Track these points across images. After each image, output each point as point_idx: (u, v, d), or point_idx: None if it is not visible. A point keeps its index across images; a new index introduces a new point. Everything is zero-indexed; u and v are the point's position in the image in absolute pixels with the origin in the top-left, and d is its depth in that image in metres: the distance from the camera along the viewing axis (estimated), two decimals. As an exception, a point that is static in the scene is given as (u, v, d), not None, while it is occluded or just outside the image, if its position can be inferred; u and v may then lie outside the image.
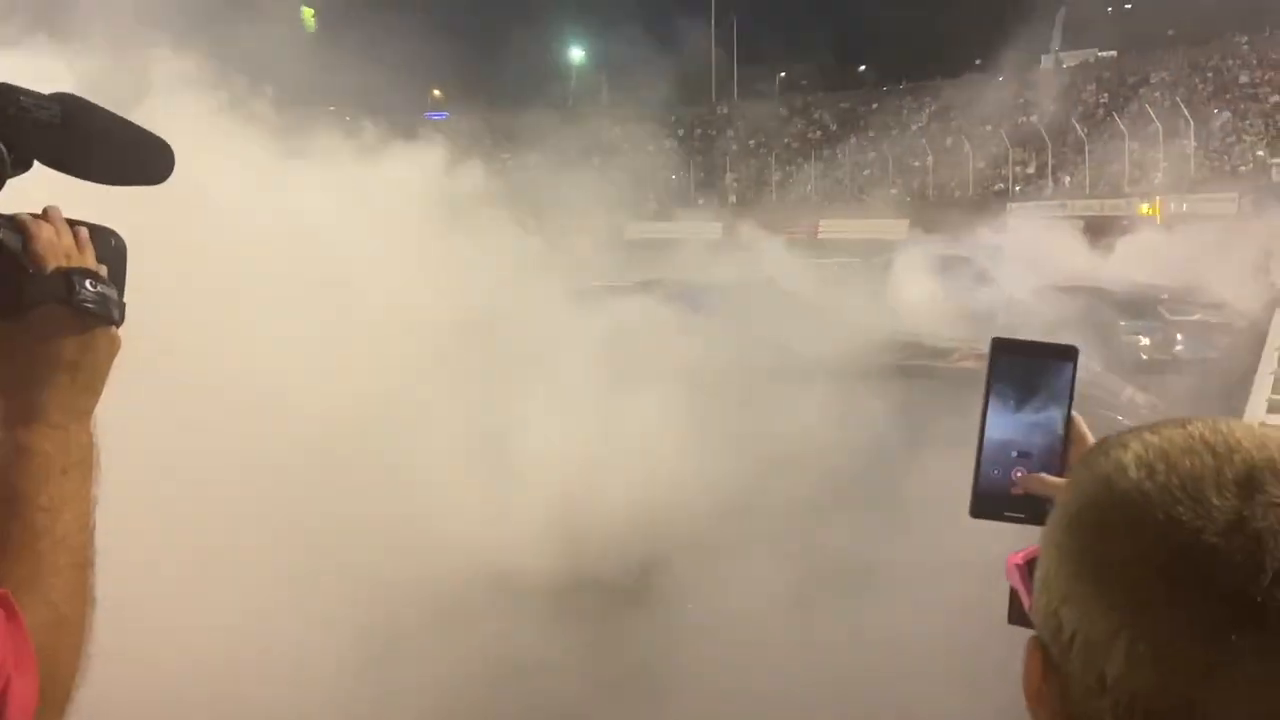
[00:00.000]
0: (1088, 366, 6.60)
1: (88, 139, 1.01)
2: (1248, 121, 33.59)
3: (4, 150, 0.94)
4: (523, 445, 5.66)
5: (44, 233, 0.98)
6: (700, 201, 38.69)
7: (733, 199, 38.65)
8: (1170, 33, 36.98)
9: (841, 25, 53.44)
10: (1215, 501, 0.58)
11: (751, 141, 46.38)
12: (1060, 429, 0.99)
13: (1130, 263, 12.44)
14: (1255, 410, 5.75)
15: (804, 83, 53.70)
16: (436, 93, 59.99)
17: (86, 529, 0.99)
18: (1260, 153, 31.99)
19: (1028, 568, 0.72)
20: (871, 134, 43.95)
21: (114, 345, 1.02)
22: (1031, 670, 0.66)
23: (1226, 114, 34.24)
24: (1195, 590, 0.58)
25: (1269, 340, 7.76)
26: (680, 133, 52.52)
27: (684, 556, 5.22)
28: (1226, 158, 32.34)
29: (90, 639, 0.97)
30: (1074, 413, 0.98)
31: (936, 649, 4.08)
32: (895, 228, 19.02)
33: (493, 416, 5.75)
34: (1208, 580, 0.57)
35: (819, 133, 45.66)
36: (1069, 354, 1.01)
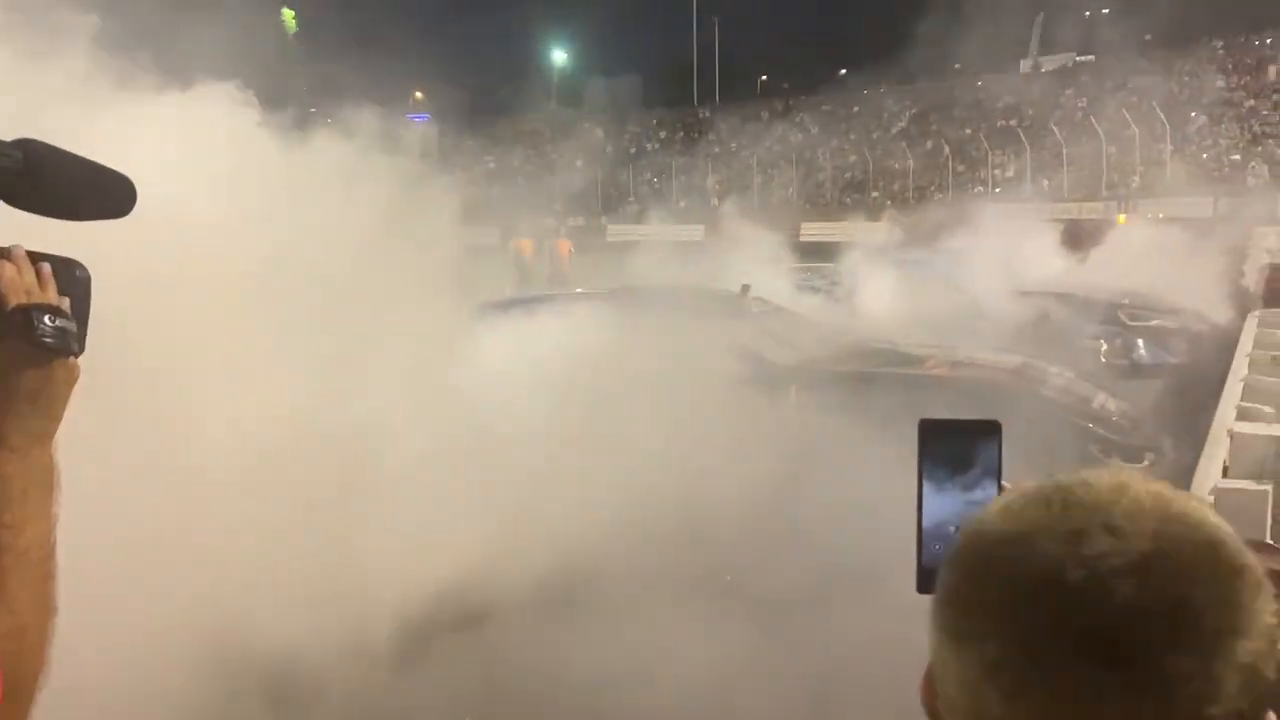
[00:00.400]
0: (1060, 373, 6.68)
1: (49, 182, 1.07)
2: (1223, 126, 33.91)
3: None
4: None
5: (5, 271, 1.05)
6: (682, 204, 38.73)
7: (715, 201, 38.71)
8: (1147, 38, 37.28)
9: (822, 28, 53.59)
10: (1041, 547, 0.64)
11: (733, 144, 46.46)
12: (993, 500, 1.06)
13: (1102, 266, 12.50)
14: (1225, 416, 5.81)
15: (785, 85, 53.92)
16: (418, 94, 59.85)
17: (47, 544, 1.06)
18: (1235, 156, 32.31)
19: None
20: (853, 137, 44.12)
21: (72, 374, 1.09)
22: (924, 687, 0.72)
23: (1203, 118, 34.56)
24: (1038, 628, 0.62)
25: (1240, 346, 7.83)
26: (663, 135, 52.58)
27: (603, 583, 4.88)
28: (1203, 161, 32.62)
29: (51, 645, 1.05)
30: (1004, 482, 1.03)
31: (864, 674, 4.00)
32: (875, 230, 19.06)
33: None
34: (1056, 618, 0.62)
35: (800, 135, 45.76)
36: (993, 429, 1.06)
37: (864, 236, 16.78)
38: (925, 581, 0.97)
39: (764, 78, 59.01)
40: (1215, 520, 0.66)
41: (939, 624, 0.69)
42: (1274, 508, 4.44)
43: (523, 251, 19.30)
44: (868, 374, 6.45)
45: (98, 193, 1.13)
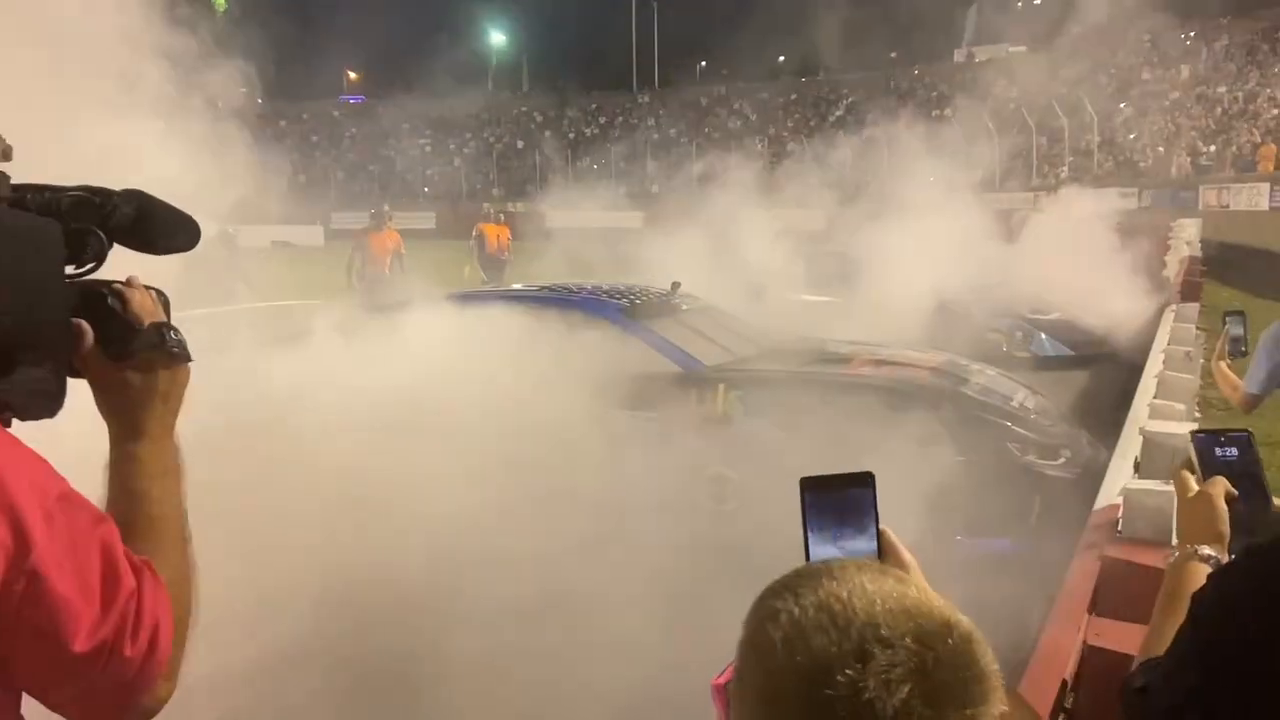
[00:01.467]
0: (982, 371, 6.79)
1: (149, 226, 1.37)
2: (1148, 118, 34.66)
3: (105, 240, 1.32)
4: None
5: (136, 296, 1.36)
6: (622, 190, 38.63)
7: (654, 188, 38.65)
8: (1076, 30, 37.93)
9: (761, 16, 53.69)
10: (840, 680, 0.75)
11: (672, 130, 46.41)
12: (874, 545, 1.15)
13: (1023, 260, 12.66)
14: (1138, 413, 5.93)
15: (724, 72, 53.96)
16: (352, 75, 58.84)
17: (183, 515, 1.35)
18: (1160, 149, 33.06)
19: (725, 690, 0.86)
20: (790, 124, 44.33)
21: (188, 376, 1.40)
22: None
23: (1129, 110, 35.31)
24: None
25: (1156, 341, 7.98)
26: (601, 120, 52.34)
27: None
28: (1129, 153, 33.35)
29: (197, 596, 1.33)
30: (882, 527, 1.14)
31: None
32: (811, 220, 19.16)
33: None
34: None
35: (739, 123, 45.86)
36: (866, 480, 1.17)
37: (799, 226, 16.85)
38: None
39: (703, 64, 58.97)
40: (951, 615, 0.80)
41: None
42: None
43: (487, 238, 17.35)
44: (794, 373, 6.50)
45: (178, 234, 1.41)
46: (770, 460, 5.83)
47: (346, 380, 5.75)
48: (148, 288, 1.38)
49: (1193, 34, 38.52)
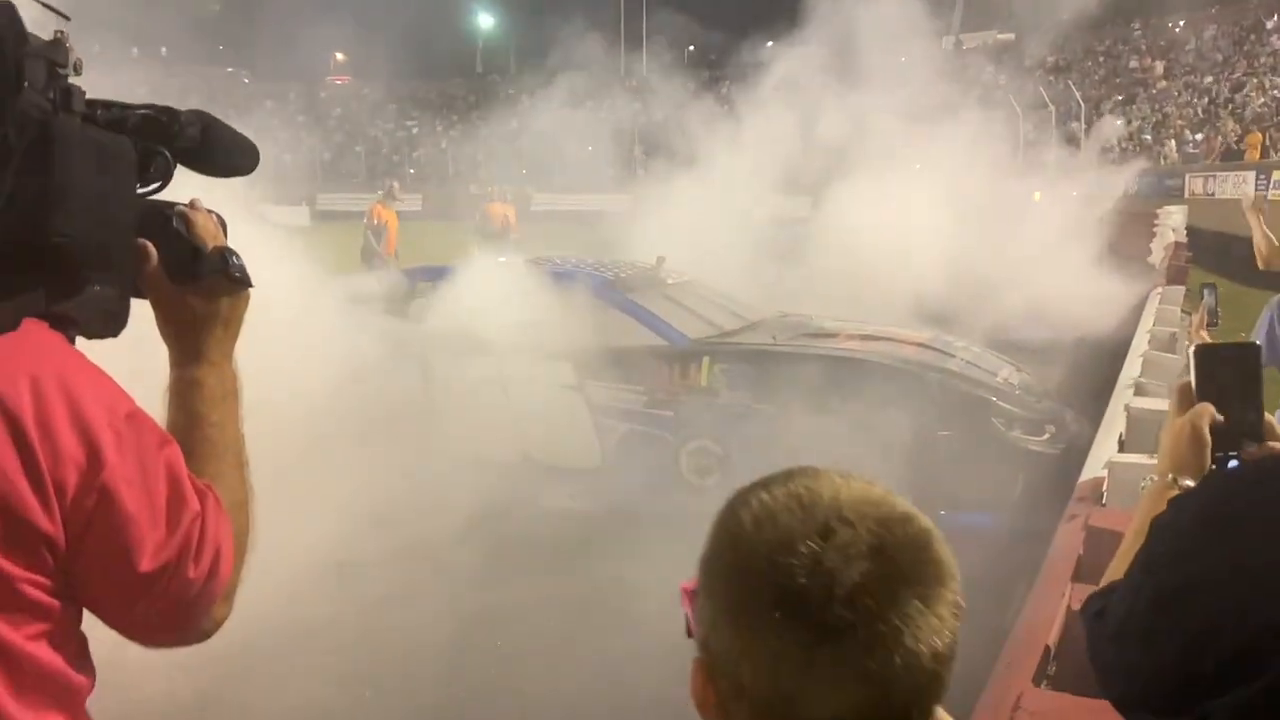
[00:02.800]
0: (967, 348, 6.78)
1: (213, 148, 1.34)
2: (1135, 106, 34.74)
3: (171, 160, 1.30)
4: None
5: (200, 218, 1.34)
6: (610, 173, 38.46)
7: (642, 171, 38.48)
8: (1064, 17, 37.91)
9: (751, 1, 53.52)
10: (803, 550, 0.81)
11: (660, 114, 46.26)
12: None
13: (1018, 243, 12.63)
14: (1122, 392, 5.93)
15: (712, 57, 53.80)
16: (339, 56, 58.46)
17: (241, 439, 1.35)
18: (1146, 137, 33.14)
19: (693, 593, 0.90)
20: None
21: (248, 302, 1.38)
22: (696, 682, 0.88)
23: (1117, 97, 35.36)
24: (790, 618, 0.80)
25: (1141, 323, 8.00)
26: (589, 103, 52.14)
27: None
28: (1116, 139, 33.40)
29: (254, 521, 1.34)
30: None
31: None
32: (799, 205, 19.13)
33: None
34: (796, 610, 0.80)
35: (727, 107, 45.76)
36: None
37: (787, 210, 16.81)
38: None
39: (690, 48, 58.77)
40: (913, 511, 0.86)
41: (729, 629, 0.84)
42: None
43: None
44: (779, 347, 6.47)
45: (241, 156, 1.38)
46: (754, 434, 5.80)
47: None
48: (209, 211, 1.37)
49: (1181, 24, 38.58)
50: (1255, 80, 32.83)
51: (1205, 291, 4.68)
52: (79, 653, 1.21)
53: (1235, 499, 1.06)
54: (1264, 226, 5.30)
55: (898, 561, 0.82)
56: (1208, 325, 4.64)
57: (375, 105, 48.26)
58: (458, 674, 4.59)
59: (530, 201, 24.73)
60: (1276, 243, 4.79)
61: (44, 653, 1.15)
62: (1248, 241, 5.49)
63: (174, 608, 1.20)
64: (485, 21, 65.58)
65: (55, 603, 1.15)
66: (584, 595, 5.41)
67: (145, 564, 1.16)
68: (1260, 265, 5.34)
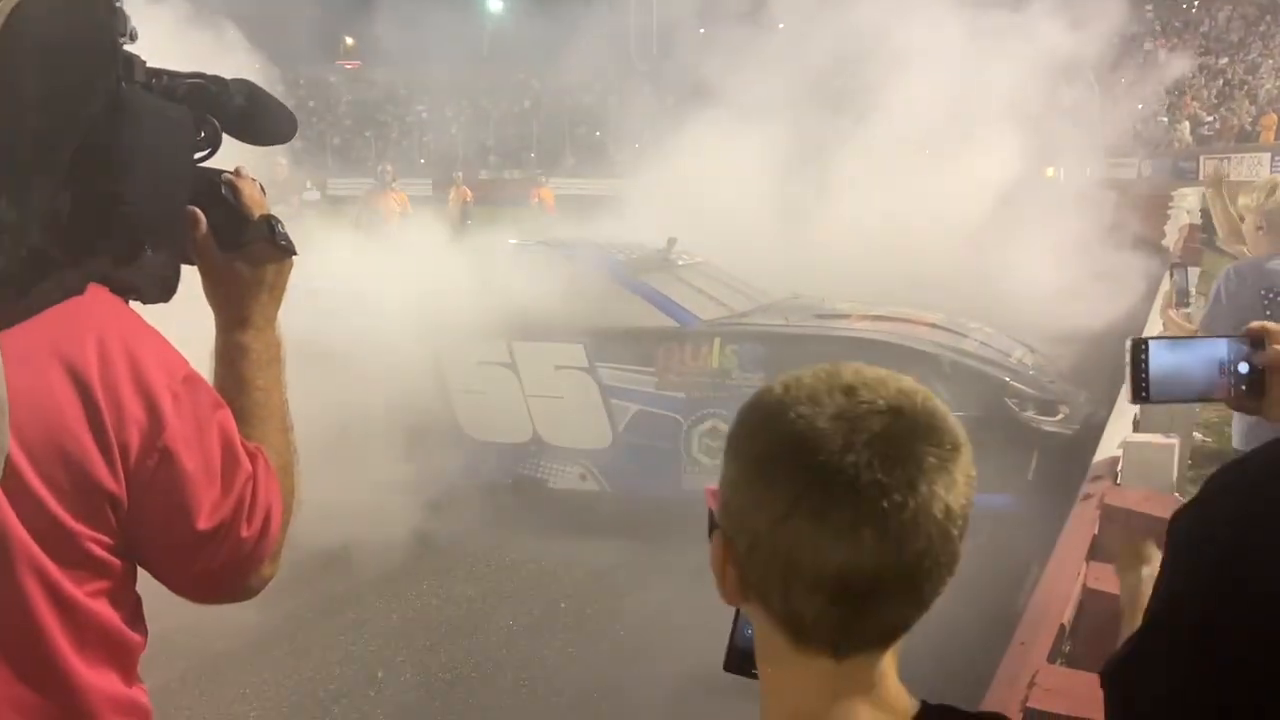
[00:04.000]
0: (980, 328, 6.73)
1: (258, 116, 1.37)
2: (1148, 88, 34.46)
3: (219, 128, 1.31)
4: None
5: (247, 187, 1.36)
6: (619, 159, 38.38)
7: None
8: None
9: (761, -18, 53.15)
10: (826, 401, 0.85)
11: (670, 98, 46.09)
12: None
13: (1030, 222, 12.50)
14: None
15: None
16: (349, 40, 58.37)
17: (286, 402, 1.38)
18: (1163, 119, 32.90)
19: (716, 492, 0.92)
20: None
21: (291, 269, 1.40)
22: (715, 552, 0.90)
23: (1131, 79, 35.07)
24: (810, 462, 0.83)
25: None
26: (599, 88, 51.95)
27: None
28: (1130, 122, 33.16)
29: (299, 483, 1.37)
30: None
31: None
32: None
33: None
34: (817, 453, 0.83)
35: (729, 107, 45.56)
36: None
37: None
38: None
39: (702, 31, 58.51)
40: (932, 393, 0.89)
41: (748, 482, 0.87)
42: (1180, 460, 4.52)
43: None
44: (790, 327, 6.44)
45: (281, 124, 1.41)
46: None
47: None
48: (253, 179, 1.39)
49: (1195, 5, 38.24)
50: (1270, 62, 32.55)
51: (1174, 273, 4.70)
52: (135, 612, 1.25)
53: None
54: (1226, 204, 5.27)
55: (917, 420, 0.85)
56: (1177, 305, 4.65)
57: (385, 90, 48.18)
58: (469, 652, 4.61)
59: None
60: (1238, 220, 4.78)
61: (104, 609, 1.18)
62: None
63: (227, 566, 1.24)
64: (494, 5, 65.37)
65: (116, 561, 1.19)
66: (594, 575, 5.43)
67: (202, 523, 1.20)
68: (1220, 243, 5.34)
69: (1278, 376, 1.39)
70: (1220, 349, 1.43)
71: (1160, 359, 1.44)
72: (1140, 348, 1.44)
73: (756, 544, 0.86)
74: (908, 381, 0.89)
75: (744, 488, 0.87)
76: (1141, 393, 1.46)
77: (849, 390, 0.86)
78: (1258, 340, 1.41)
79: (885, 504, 0.82)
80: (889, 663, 0.89)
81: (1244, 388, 1.41)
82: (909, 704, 0.90)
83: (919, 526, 0.83)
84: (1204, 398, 1.49)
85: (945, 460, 0.84)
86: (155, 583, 1.28)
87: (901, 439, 0.84)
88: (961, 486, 0.85)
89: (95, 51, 1.18)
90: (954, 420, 0.88)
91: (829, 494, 0.82)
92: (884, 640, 0.88)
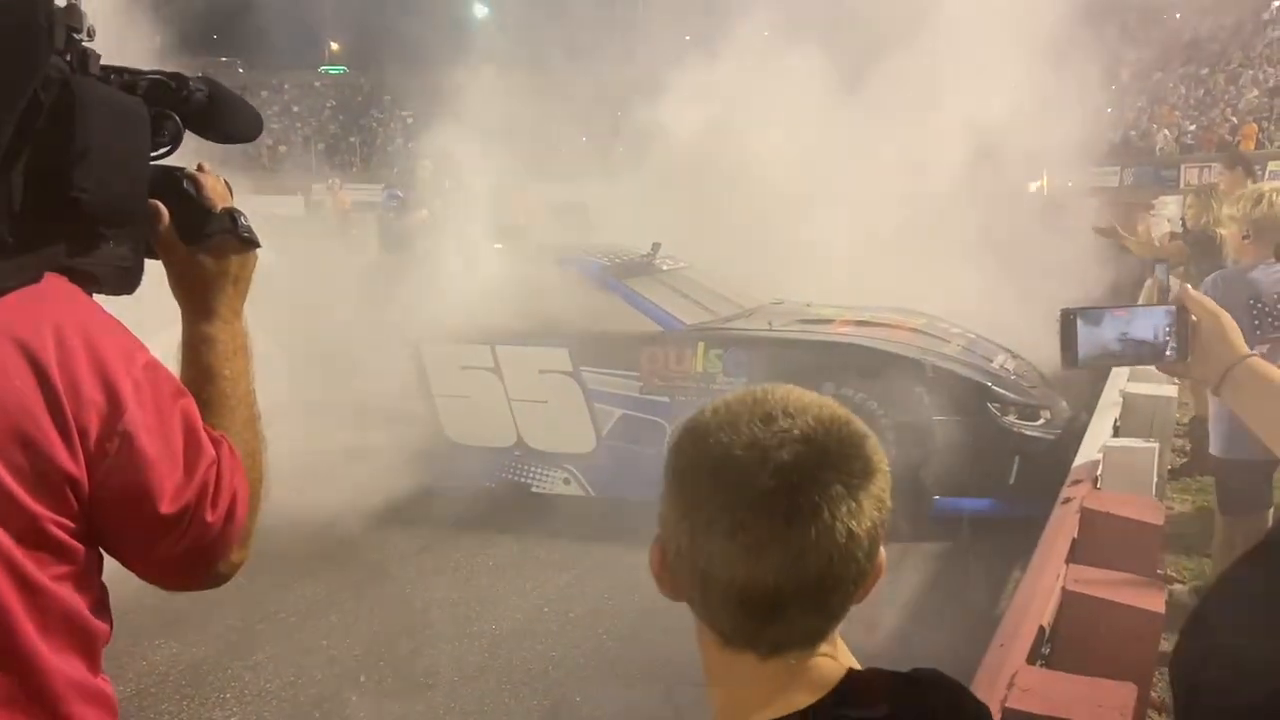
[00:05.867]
0: (963, 333, 6.76)
1: (221, 114, 1.39)
2: (1130, 97, 34.71)
3: (180, 124, 1.34)
4: None
5: (209, 180, 1.39)
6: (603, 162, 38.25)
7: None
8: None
9: (747, -11, 53.24)
10: (744, 429, 0.92)
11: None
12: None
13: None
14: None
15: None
16: (334, 45, 58.22)
17: (252, 392, 1.40)
18: (1136, 131, 33.09)
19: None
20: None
21: (256, 261, 1.44)
22: (654, 556, 0.98)
23: (1112, 88, 35.28)
24: (724, 485, 0.91)
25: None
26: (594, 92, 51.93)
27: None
28: (1112, 130, 33.38)
29: (266, 470, 1.39)
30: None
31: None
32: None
33: None
34: (730, 478, 0.91)
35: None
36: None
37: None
38: None
39: (687, 38, 58.57)
40: (855, 419, 0.96)
41: (675, 497, 0.95)
42: (1159, 465, 4.55)
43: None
44: (775, 332, 6.45)
45: (245, 123, 1.43)
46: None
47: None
48: (216, 175, 1.42)
49: (1178, 14, 38.51)
50: (1251, 72, 32.81)
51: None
52: (100, 600, 1.26)
53: None
54: (1123, 239, 6.11)
55: (827, 449, 0.91)
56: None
57: (370, 95, 48.06)
58: (451, 657, 4.60)
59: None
60: (1141, 238, 5.23)
61: (68, 594, 1.19)
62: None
63: (193, 551, 1.25)
64: (480, 10, 65.32)
65: (79, 546, 1.20)
66: (578, 580, 5.43)
67: (165, 506, 1.21)
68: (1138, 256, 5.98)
69: (1198, 341, 1.55)
70: (1146, 316, 1.57)
71: (1089, 328, 1.56)
72: (1070, 317, 1.56)
73: (680, 554, 0.94)
74: (831, 409, 0.95)
75: (670, 502, 0.96)
76: (1071, 359, 1.58)
77: (767, 419, 0.92)
78: (1180, 308, 1.56)
79: (788, 528, 0.89)
80: (825, 649, 0.96)
81: (1168, 353, 1.56)
82: (836, 674, 0.95)
83: (820, 549, 0.89)
84: (1132, 363, 1.64)
85: (852, 488, 0.91)
86: (141, 595, 1.28)
87: (808, 468, 0.90)
88: (868, 511, 0.92)
89: (22, 35, 1.17)
90: (872, 447, 0.94)
91: (737, 517, 0.90)
92: (807, 642, 0.95)
